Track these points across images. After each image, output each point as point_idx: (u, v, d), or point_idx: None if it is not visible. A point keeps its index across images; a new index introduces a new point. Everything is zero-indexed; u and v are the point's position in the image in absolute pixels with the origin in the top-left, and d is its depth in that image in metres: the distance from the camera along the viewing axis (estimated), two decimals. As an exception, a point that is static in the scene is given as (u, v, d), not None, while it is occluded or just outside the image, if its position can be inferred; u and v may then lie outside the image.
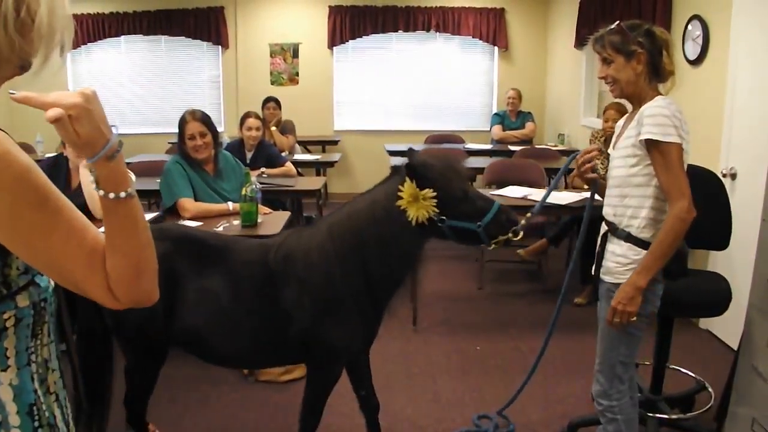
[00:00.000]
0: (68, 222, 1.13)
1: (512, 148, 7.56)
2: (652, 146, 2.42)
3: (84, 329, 2.73)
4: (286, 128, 7.51)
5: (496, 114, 8.53)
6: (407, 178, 2.50)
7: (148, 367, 2.89)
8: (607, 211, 2.67)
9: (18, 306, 1.21)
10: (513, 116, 8.33)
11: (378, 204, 2.57)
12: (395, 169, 2.62)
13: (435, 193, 2.49)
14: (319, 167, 7.43)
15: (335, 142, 9.14)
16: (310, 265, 2.60)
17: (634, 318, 2.50)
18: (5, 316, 1.19)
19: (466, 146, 7.96)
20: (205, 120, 4.34)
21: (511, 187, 5.09)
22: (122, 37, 9.37)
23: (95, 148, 1.11)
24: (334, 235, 2.60)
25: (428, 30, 9.18)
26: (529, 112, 8.37)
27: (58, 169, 4.30)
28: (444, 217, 2.51)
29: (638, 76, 2.54)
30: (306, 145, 8.64)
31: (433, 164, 2.55)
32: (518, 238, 2.61)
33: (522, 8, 9.16)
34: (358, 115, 9.69)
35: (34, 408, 1.26)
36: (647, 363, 3.53)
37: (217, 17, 9.25)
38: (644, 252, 2.49)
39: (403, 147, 7.82)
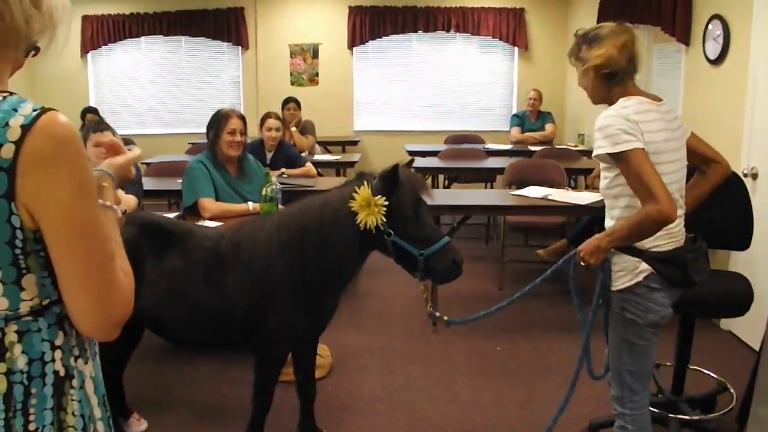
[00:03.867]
0: (104, 220, 1.22)
1: (532, 148, 7.55)
2: (612, 158, 2.35)
3: None
4: (306, 129, 7.55)
5: (515, 115, 8.50)
6: (364, 183, 2.58)
7: (119, 344, 2.97)
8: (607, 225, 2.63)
9: None
10: (533, 117, 8.31)
11: (329, 204, 2.67)
12: (358, 175, 2.71)
13: (387, 203, 2.55)
14: (339, 167, 7.46)
15: (355, 143, 9.16)
16: (255, 253, 2.75)
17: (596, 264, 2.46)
18: None
19: (486, 146, 7.95)
20: (245, 120, 4.44)
21: (531, 187, 5.08)
22: (142, 37, 9.45)
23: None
24: (282, 227, 2.74)
25: (448, 30, 9.17)
26: (549, 113, 8.35)
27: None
28: (391, 231, 2.57)
29: (597, 84, 2.48)
30: (326, 145, 8.66)
31: (397, 177, 2.58)
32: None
33: (542, 8, 9.13)
34: (377, 115, 9.70)
35: (105, 398, 1.36)
36: (668, 364, 3.52)
37: (237, 18, 9.30)
38: (628, 258, 2.45)
39: (424, 147, 7.87)
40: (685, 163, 2.52)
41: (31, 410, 1.21)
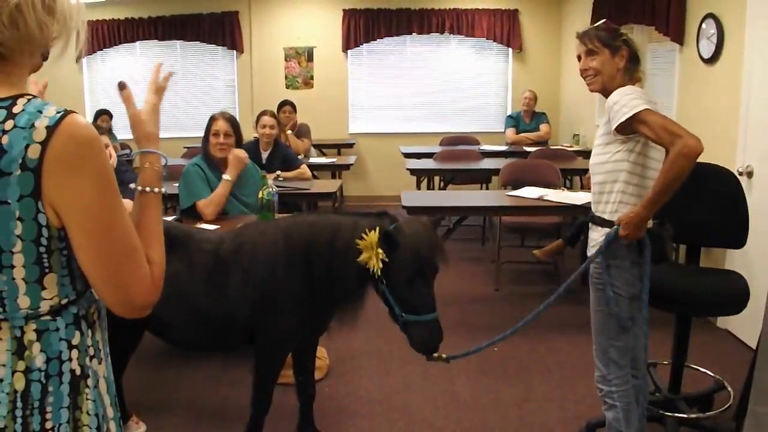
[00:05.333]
0: (127, 215, 1.27)
1: (527, 149, 7.56)
2: (632, 124, 2.51)
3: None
4: (301, 132, 7.54)
5: (509, 116, 8.52)
6: (377, 229, 2.54)
7: (119, 347, 2.99)
8: (591, 201, 2.82)
9: (95, 298, 1.34)
10: (527, 117, 8.33)
11: (342, 231, 2.65)
12: (380, 213, 2.70)
13: (386, 260, 2.52)
14: (335, 170, 7.46)
15: (350, 145, 9.16)
16: (256, 258, 2.77)
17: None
18: (91, 310, 1.33)
19: (481, 148, 7.97)
20: (233, 122, 4.42)
21: (527, 187, 5.09)
22: (137, 42, 9.46)
23: (155, 143, 1.49)
24: (289, 238, 2.74)
25: (442, 32, 9.20)
26: (544, 113, 8.37)
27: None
28: (384, 280, 2.56)
29: (618, 72, 2.67)
30: (321, 148, 8.67)
31: (406, 239, 2.55)
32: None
33: (535, 9, 9.16)
34: (373, 117, 9.71)
35: (116, 398, 1.39)
36: (665, 362, 3.53)
37: (232, 22, 9.31)
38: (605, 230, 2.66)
39: (418, 149, 7.89)
40: None
41: (48, 408, 1.24)
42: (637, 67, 2.72)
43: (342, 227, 2.66)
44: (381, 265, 2.52)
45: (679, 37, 5.44)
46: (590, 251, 2.79)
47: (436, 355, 2.68)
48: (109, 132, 8.57)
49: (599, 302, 2.76)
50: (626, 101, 2.50)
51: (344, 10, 9.24)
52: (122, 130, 9.10)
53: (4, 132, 1.16)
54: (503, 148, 8.02)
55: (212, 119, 4.40)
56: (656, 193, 2.49)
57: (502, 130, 8.59)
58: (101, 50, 9.42)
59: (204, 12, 9.26)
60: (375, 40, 9.32)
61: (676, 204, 2.73)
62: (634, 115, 2.47)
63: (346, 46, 9.36)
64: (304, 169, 5.79)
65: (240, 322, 2.80)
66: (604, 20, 2.82)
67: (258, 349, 2.91)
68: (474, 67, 9.50)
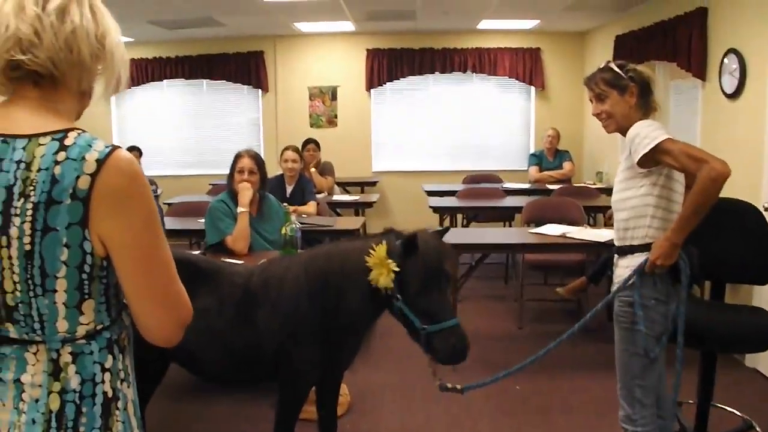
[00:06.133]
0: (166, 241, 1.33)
1: (551, 187, 7.55)
2: (656, 155, 2.52)
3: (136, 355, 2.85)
4: (325, 169, 7.61)
5: (533, 154, 8.53)
6: (383, 242, 2.54)
7: (145, 379, 3.01)
8: (615, 237, 2.81)
9: (126, 325, 1.39)
10: (550, 155, 8.33)
11: (352, 256, 2.65)
12: (386, 230, 2.69)
13: (398, 269, 2.50)
14: (358, 208, 7.50)
15: (374, 183, 9.22)
16: (282, 292, 2.76)
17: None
18: (122, 335, 1.38)
19: (504, 185, 7.97)
20: (258, 160, 4.48)
21: (549, 225, 5.08)
22: (165, 81, 9.64)
23: None
24: (308, 271, 2.75)
25: (465, 71, 9.26)
26: (567, 151, 8.37)
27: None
28: (399, 296, 2.52)
29: (631, 109, 2.69)
30: (345, 186, 8.73)
31: (418, 245, 2.53)
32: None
33: (558, 47, 9.21)
34: (396, 156, 9.76)
35: (142, 422, 1.44)
36: (691, 402, 3.47)
37: (257, 61, 9.46)
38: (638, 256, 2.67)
39: (441, 187, 7.91)
40: None
41: (81, 429, 1.29)
42: (650, 98, 2.72)
43: (351, 252, 2.67)
44: (392, 277, 2.49)
45: (701, 73, 5.44)
46: (615, 287, 2.78)
47: (450, 385, 2.68)
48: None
49: (624, 340, 2.74)
50: (647, 133, 2.52)
51: (368, 50, 9.36)
52: (149, 166, 9.25)
53: (57, 163, 1.22)
54: (526, 186, 8.02)
55: (237, 156, 4.47)
56: (684, 218, 2.50)
57: (526, 168, 8.60)
58: (129, 88, 9.60)
59: (230, 52, 9.42)
60: (398, 79, 9.41)
61: (700, 239, 2.73)
62: (656, 145, 2.48)
63: (370, 85, 9.45)
64: (310, 206, 5.83)
65: (267, 354, 2.80)
66: (607, 61, 2.84)
67: (281, 382, 2.91)
68: (497, 106, 9.55)
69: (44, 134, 1.25)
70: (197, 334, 2.77)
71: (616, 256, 2.81)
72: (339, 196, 7.53)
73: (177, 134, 9.89)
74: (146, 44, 9.35)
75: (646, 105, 2.71)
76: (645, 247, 2.64)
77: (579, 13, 7.48)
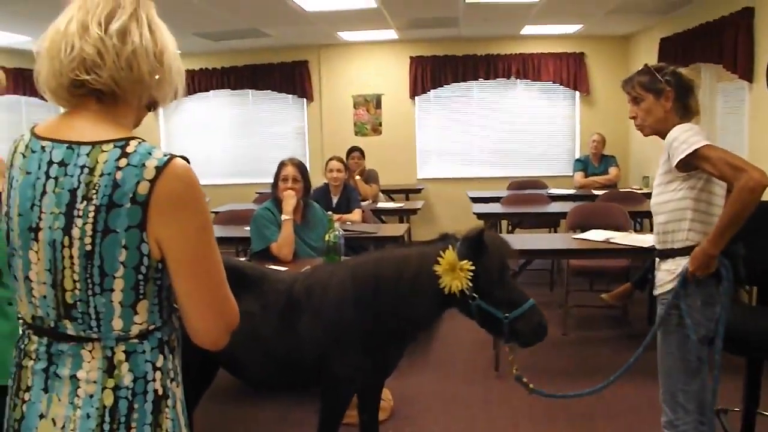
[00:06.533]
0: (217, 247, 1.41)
1: (596, 192, 7.49)
2: (693, 161, 2.51)
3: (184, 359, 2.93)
4: (370, 177, 7.67)
5: (578, 160, 8.46)
6: (450, 247, 2.57)
7: (193, 382, 3.07)
8: (655, 241, 2.80)
9: (176, 327, 1.46)
10: (596, 161, 8.26)
11: (410, 262, 2.67)
12: (442, 237, 2.72)
13: (473, 267, 2.54)
14: (402, 215, 7.54)
15: (419, 191, 9.24)
16: (327, 299, 2.78)
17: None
18: (173, 336, 1.45)
19: (549, 191, 7.92)
20: (302, 168, 4.56)
21: (593, 230, 5.04)
22: (211, 91, 9.85)
23: None
24: (356, 277, 2.77)
25: (508, 77, 9.26)
26: (613, 156, 8.28)
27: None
28: (476, 295, 2.56)
29: (667, 113, 2.68)
30: (390, 193, 8.78)
31: (483, 241, 2.60)
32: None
33: (602, 52, 9.13)
34: (440, 163, 9.79)
35: (188, 420, 1.50)
36: (736, 409, 3.41)
37: (302, 71, 9.60)
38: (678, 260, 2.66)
39: (486, 194, 7.91)
40: None
41: (133, 424, 1.35)
42: (688, 102, 2.70)
43: (408, 258, 2.70)
44: (468, 278, 2.53)
45: (748, 74, 5.36)
46: (656, 291, 2.77)
47: (525, 379, 2.75)
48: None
49: (668, 344, 2.72)
50: (685, 137, 2.51)
51: (411, 58, 9.42)
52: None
53: (119, 168, 1.29)
54: (571, 191, 7.96)
55: (281, 165, 4.54)
56: (722, 227, 2.48)
57: (571, 174, 8.54)
58: (176, 99, 9.81)
59: (275, 62, 9.58)
60: (442, 86, 9.45)
61: (746, 244, 2.70)
62: (694, 151, 2.47)
63: (414, 92, 9.51)
64: (355, 214, 5.90)
65: (310, 361, 2.83)
66: (645, 64, 2.84)
67: (323, 388, 2.95)
68: (541, 112, 9.51)
69: (107, 141, 1.32)
70: (241, 339, 2.85)
71: (657, 259, 2.80)
72: (384, 204, 7.58)
73: (223, 144, 10.08)
74: (192, 56, 9.55)
75: (684, 108, 2.69)
76: (686, 251, 2.63)
77: (622, 16, 7.42)
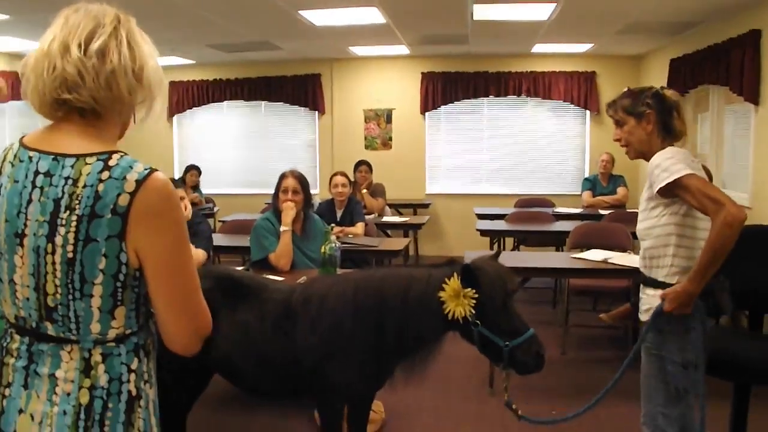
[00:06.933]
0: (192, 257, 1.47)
1: (603, 212, 7.47)
2: (674, 189, 2.49)
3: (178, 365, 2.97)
4: (376, 191, 7.70)
5: (586, 179, 8.45)
6: (455, 274, 2.60)
7: (187, 388, 3.19)
8: (640, 265, 2.78)
9: (152, 332, 1.52)
10: (604, 180, 8.24)
11: (416, 284, 2.71)
12: (449, 262, 2.77)
13: (476, 296, 2.57)
14: (407, 229, 7.56)
15: (426, 206, 9.27)
16: (325, 309, 2.82)
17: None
18: (148, 341, 1.51)
19: (555, 210, 7.91)
20: (302, 180, 4.59)
21: (593, 250, 5.03)
22: (225, 102, 9.97)
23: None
24: (358, 290, 2.80)
25: (519, 95, 9.29)
26: (621, 176, 8.26)
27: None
28: (478, 322, 2.59)
29: (649, 135, 2.69)
30: (398, 208, 8.81)
31: (485, 269, 2.65)
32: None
33: (614, 71, 9.13)
34: (449, 179, 9.83)
35: (159, 420, 1.56)
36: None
37: (314, 84, 9.68)
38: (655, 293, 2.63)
39: (492, 210, 7.91)
40: None
41: (107, 422, 1.42)
42: (671, 123, 2.68)
43: (414, 279, 2.73)
44: (472, 305, 2.56)
45: (754, 97, 5.35)
46: (641, 315, 2.76)
47: (514, 406, 2.73)
48: (195, 187, 8.98)
49: (650, 368, 2.71)
50: (667, 165, 2.50)
51: (423, 74, 9.47)
52: (207, 185, 9.52)
53: (101, 181, 1.36)
54: (577, 210, 7.94)
55: (282, 176, 4.59)
56: (703, 265, 2.47)
57: (579, 193, 8.52)
58: (190, 109, 9.96)
59: (288, 74, 9.67)
60: (453, 102, 9.49)
61: (737, 270, 2.69)
62: (675, 180, 2.46)
63: (424, 108, 9.56)
64: (358, 227, 5.93)
65: (306, 369, 2.86)
66: (627, 87, 2.85)
67: (318, 397, 3.01)
68: (551, 130, 9.52)
69: (90, 154, 1.38)
70: (237, 346, 2.89)
71: (641, 284, 2.79)
72: (389, 218, 7.60)
73: (235, 154, 10.17)
74: (207, 66, 9.68)
75: (667, 131, 2.68)
76: (668, 285, 2.62)
77: (633, 36, 7.43)
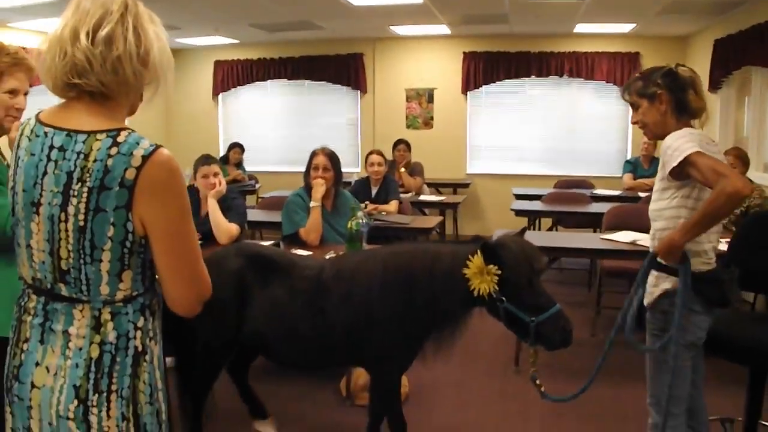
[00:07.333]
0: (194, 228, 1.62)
1: (642, 194, 7.39)
2: (685, 168, 2.48)
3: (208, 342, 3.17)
4: (414, 170, 7.75)
5: (627, 161, 8.35)
6: (478, 252, 2.64)
7: (216, 363, 3.30)
8: (650, 246, 2.78)
9: (157, 293, 1.66)
10: (646, 163, 8.14)
11: (442, 260, 2.76)
12: (475, 238, 2.79)
13: (500, 272, 2.61)
14: (444, 208, 7.60)
15: (466, 185, 9.30)
16: (354, 284, 2.91)
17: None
18: (154, 301, 1.65)
19: (594, 192, 7.86)
20: (333, 158, 4.69)
21: (623, 232, 5.01)
22: (268, 81, 10.13)
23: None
24: (388, 267, 2.88)
25: (561, 75, 9.20)
26: (663, 159, 8.13)
27: (190, 198, 4.76)
28: (504, 298, 2.63)
29: (664, 116, 2.67)
30: (438, 187, 8.85)
31: (509, 246, 2.68)
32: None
33: (658, 52, 8.96)
34: (490, 159, 9.82)
35: (165, 374, 1.71)
36: (739, 419, 3.39)
37: (357, 63, 9.75)
38: (672, 278, 2.62)
39: (530, 191, 7.90)
40: None
41: (115, 374, 1.55)
42: (686, 100, 2.65)
43: (441, 255, 2.78)
44: (495, 281, 2.61)
45: (794, 80, 5.24)
46: (646, 297, 2.77)
47: (538, 381, 2.78)
48: (238, 164, 9.14)
49: (653, 348, 2.73)
50: (678, 145, 2.49)
51: (464, 53, 9.45)
52: (251, 162, 9.67)
53: (110, 156, 1.47)
54: (616, 192, 7.88)
55: (313, 154, 4.70)
56: (693, 222, 2.48)
57: (620, 175, 8.44)
58: (235, 87, 10.13)
59: (331, 54, 9.75)
60: (494, 82, 9.46)
61: (754, 253, 2.68)
62: (685, 157, 2.46)
63: (466, 88, 9.55)
64: (391, 205, 6.01)
65: (339, 343, 2.96)
66: (638, 72, 2.85)
67: (368, 370, 3.15)
68: (593, 111, 9.41)
69: (101, 131, 1.50)
70: (270, 322, 3.01)
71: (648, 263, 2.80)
72: (426, 196, 7.65)
73: (278, 132, 10.32)
74: (251, 46, 9.81)
75: (683, 108, 2.65)
76: (674, 269, 2.61)
77: (676, 16, 7.30)
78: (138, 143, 1.49)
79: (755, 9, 6.23)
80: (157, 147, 1.51)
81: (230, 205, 4.62)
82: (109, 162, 1.47)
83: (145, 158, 1.47)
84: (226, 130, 10.45)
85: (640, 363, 4.07)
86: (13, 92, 2.35)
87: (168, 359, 4.32)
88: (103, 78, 1.49)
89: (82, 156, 1.48)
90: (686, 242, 2.52)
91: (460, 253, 2.71)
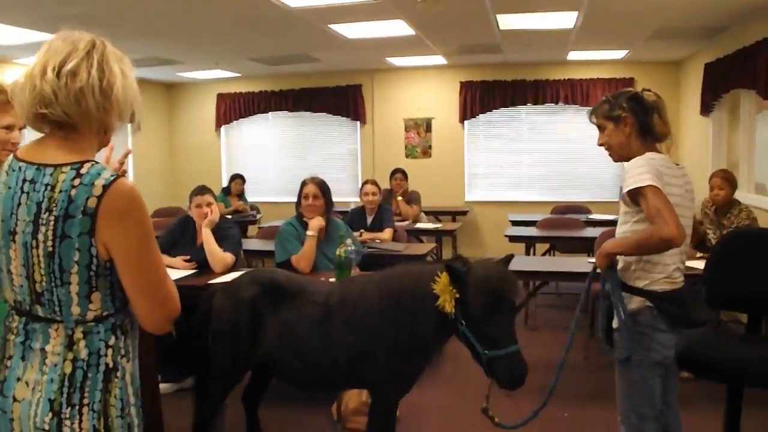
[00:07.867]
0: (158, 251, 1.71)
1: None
2: (635, 196, 2.55)
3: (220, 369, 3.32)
4: (411, 198, 7.84)
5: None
6: (446, 269, 2.72)
7: (227, 385, 3.42)
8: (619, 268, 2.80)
9: (129, 313, 1.76)
10: (642, 187, 8.17)
11: (423, 279, 2.84)
12: (454, 258, 2.87)
13: (458, 295, 2.67)
14: (440, 236, 7.67)
15: (464, 213, 9.37)
16: (356, 310, 3.01)
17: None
18: (125, 321, 1.75)
19: (589, 216, 7.93)
20: (322, 187, 4.80)
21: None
22: (270, 113, 10.33)
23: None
24: (381, 291, 2.97)
25: (557, 102, 9.33)
26: (659, 183, 8.18)
27: (185, 228, 4.89)
28: (463, 321, 2.68)
29: (628, 138, 2.74)
30: (437, 215, 8.93)
31: (474, 272, 2.70)
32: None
33: (652, 77, 9.05)
34: (488, 186, 9.92)
35: (138, 390, 1.80)
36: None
37: (356, 95, 9.91)
38: (636, 297, 2.65)
39: (526, 217, 7.97)
40: (690, 222, 2.68)
41: (87, 389, 1.65)
42: (650, 124, 2.71)
43: (423, 275, 2.86)
44: (453, 304, 2.66)
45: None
46: (617, 319, 2.80)
47: (491, 413, 2.81)
48: (240, 195, 9.25)
49: (621, 368, 2.76)
50: (635, 173, 2.55)
51: (461, 83, 9.60)
52: (253, 193, 9.77)
53: (73, 187, 1.59)
54: (610, 217, 7.91)
55: (303, 183, 4.82)
56: (627, 243, 2.60)
57: (617, 200, 8.45)
58: (237, 120, 10.30)
59: (330, 85, 9.93)
60: (491, 110, 9.60)
61: (735, 274, 2.71)
62: (638, 188, 2.52)
63: (463, 116, 9.69)
64: (385, 233, 6.10)
65: (343, 366, 3.05)
66: (605, 95, 2.92)
67: (371, 395, 3.21)
68: (589, 137, 9.33)
69: (66, 164, 1.62)
70: (281, 345, 3.14)
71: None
72: (423, 224, 7.72)
73: (280, 163, 10.48)
74: (252, 79, 9.99)
75: (647, 131, 2.72)
76: (642, 292, 2.66)
77: (666, 41, 7.41)
78: (99, 174, 1.60)
79: (741, 33, 6.33)
80: (118, 177, 1.61)
81: (225, 235, 4.75)
82: (73, 192, 1.58)
83: (106, 188, 1.58)
84: (228, 162, 10.60)
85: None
86: (9, 127, 2.49)
87: (166, 385, 4.41)
88: (67, 109, 1.61)
89: (49, 188, 1.60)
90: (616, 254, 2.62)
91: (435, 272, 2.78)
